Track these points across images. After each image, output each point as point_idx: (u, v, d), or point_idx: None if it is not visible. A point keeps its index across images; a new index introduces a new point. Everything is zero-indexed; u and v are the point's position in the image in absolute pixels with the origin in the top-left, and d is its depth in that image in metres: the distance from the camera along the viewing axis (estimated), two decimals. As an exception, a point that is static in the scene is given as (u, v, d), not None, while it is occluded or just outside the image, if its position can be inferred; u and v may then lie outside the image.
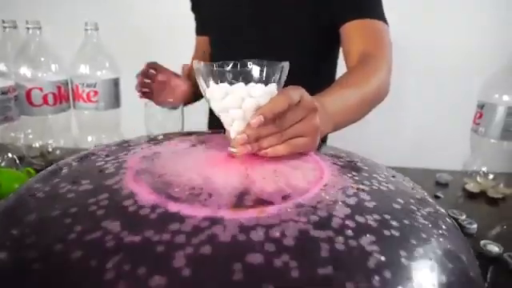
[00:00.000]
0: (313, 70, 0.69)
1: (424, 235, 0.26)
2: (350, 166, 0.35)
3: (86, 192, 0.28)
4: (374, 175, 0.34)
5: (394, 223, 0.26)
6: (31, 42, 0.63)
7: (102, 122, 0.72)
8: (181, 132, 0.56)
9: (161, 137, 0.44)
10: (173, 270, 0.20)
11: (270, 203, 0.26)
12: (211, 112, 0.81)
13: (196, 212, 0.24)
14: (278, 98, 0.33)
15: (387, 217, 0.26)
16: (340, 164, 0.35)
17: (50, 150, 0.68)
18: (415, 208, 0.29)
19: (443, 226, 0.28)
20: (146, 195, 0.27)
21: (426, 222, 0.27)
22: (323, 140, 0.75)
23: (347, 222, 0.24)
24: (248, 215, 0.24)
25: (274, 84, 0.34)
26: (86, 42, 0.70)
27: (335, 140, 0.67)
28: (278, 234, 0.23)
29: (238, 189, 0.28)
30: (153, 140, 0.42)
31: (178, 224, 0.23)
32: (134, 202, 0.26)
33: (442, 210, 0.31)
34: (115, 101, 0.73)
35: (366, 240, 0.23)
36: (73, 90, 0.69)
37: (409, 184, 0.35)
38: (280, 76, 0.35)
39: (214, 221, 0.24)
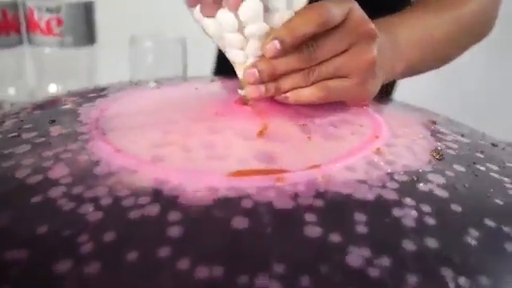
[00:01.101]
0: None
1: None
2: (425, 127, 0.35)
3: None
4: (467, 144, 0.33)
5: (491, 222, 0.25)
6: None
7: (70, 65, 0.74)
8: (180, 77, 0.57)
9: (152, 84, 0.45)
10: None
11: (291, 169, 0.26)
12: (220, 54, 0.80)
13: (180, 177, 0.25)
14: (305, 13, 0.31)
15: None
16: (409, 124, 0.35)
17: (-4, 103, 0.71)
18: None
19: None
20: (112, 154, 0.28)
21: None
22: (387, 90, 0.72)
23: (405, 209, 0.24)
24: (257, 183, 0.25)
25: None
26: None
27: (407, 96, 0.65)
28: (298, 210, 0.23)
29: (244, 149, 0.28)
30: (136, 86, 0.44)
31: (154, 194, 0.24)
32: (96, 161, 0.27)
33: None
34: (88, 35, 0.75)
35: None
36: (26, 16, 0.71)
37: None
38: None
39: (209, 189, 0.24)
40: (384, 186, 0.25)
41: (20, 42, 0.72)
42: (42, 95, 0.72)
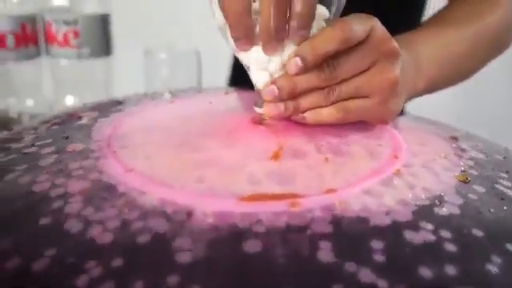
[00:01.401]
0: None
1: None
2: (446, 144, 0.33)
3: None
4: (489, 162, 0.32)
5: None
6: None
7: (87, 76, 0.74)
8: (195, 88, 0.56)
9: (167, 95, 0.45)
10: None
11: (306, 193, 0.25)
12: (235, 62, 0.79)
13: (191, 201, 0.24)
14: (327, 30, 0.30)
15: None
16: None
17: (15, 116, 0.72)
18: None
19: None
20: (122, 174, 0.27)
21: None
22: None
23: (425, 235, 0.23)
24: (271, 208, 0.24)
25: (324, 10, 0.32)
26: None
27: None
28: (314, 240, 0.22)
29: (258, 171, 0.27)
30: (151, 99, 0.43)
31: (163, 217, 0.23)
32: (103, 180, 0.27)
33: None
34: (104, 46, 0.75)
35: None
36: (44, 28, 0.71)
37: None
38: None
39: (220, 214, 0.23)
40: (403, 211, 0.24)
41: (38, 54, 0.72)
42: (59, 107, 0.72)
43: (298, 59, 0.31)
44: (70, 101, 0.75)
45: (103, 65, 0.75)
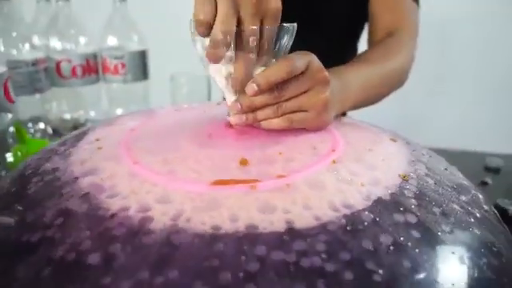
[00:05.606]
0: (341, 47, 0.66)
1: (447, 226, 0.21)
2: (379, 141, 0.31)
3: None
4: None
5: (412, 213, 0.22)
6: (60, 14, 0.64)
7: (131, 95, 0.74)
8: (204, 102, 0.54)
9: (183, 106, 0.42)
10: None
11: (263, 179, 0.24)
12: None
13: (175, 185, 0.23)
14: (277, 64, 0.30)
15: (402, 203, 0.22)
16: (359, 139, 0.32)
17: (83, 122, 0.71)
18: (442, 193, 0.24)
19: (477, 215, 0.23)
20: (130, 164, 0.25)
21: (456, 209, 0.22)
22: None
23: (358, 207, 0.21)
24: (235, 190, 0.22)
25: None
26: (114, 15, 0.69)
27: (366, 116, 0.61)
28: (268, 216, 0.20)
29: (224, 160, 0.26)
30: (151, 111, 0.41)
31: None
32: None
33: (480, 196, 0.26)
34: (143, 73, 0.74)
35: (373, 232, 0.19)
36: (101, 62, 0.71)
37: (441, 165, 0.29)
38: (286, 40, 0.31)
39: (197, 194, 0.21)
40: (334, 192, 0.21)
41: (98, 80, 0.75)
42: (112, 115, 0.71)
43: (254, 85, 0.30)
44: (119, 111, 0.75)
45: (142, 86, 0.77)
